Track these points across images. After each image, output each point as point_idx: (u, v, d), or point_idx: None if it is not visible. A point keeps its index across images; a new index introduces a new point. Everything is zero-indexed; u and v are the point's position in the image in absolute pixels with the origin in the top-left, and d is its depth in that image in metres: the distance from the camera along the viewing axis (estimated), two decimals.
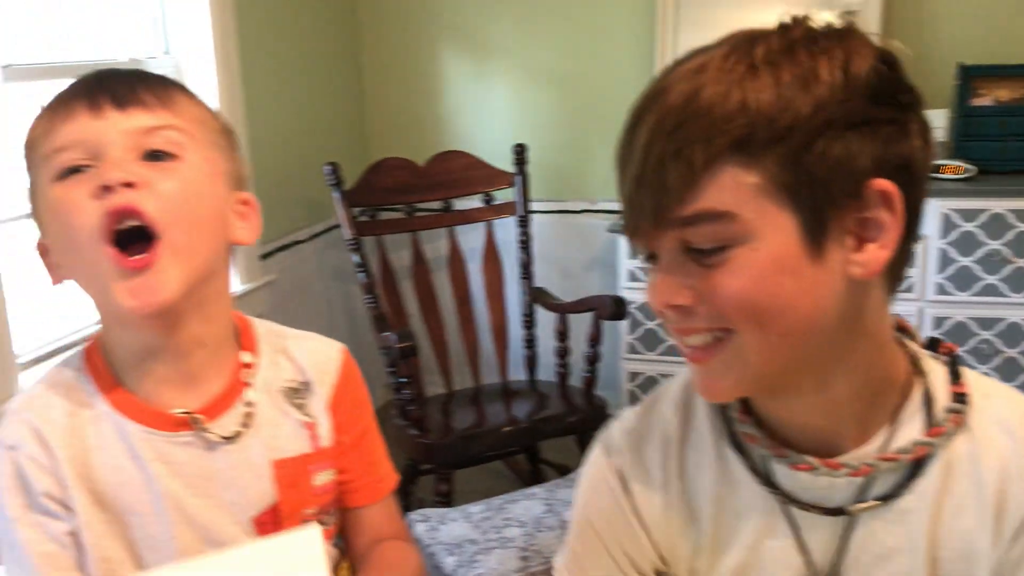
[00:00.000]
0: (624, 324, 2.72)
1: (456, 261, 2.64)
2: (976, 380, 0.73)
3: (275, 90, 2.69)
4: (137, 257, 0.74)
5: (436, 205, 2.64)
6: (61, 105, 0.77)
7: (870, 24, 2.58)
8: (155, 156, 0.76)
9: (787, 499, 0.73)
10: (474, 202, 2.64)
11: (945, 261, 2.39)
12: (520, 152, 2.62)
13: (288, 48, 2.77)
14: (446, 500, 2.27)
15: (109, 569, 0.80)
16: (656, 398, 0.83)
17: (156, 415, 0.81)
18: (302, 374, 0.88)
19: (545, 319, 2.61)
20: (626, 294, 2.56)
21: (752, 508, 0.74)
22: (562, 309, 2.51)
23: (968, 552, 0.69)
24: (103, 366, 0.82)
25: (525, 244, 2.62)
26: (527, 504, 2.08)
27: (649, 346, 2.74)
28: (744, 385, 0.70)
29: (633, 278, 2.69)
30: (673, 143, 0.63)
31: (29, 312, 1.92)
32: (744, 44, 0.64)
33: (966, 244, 2.37)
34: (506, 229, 2.66)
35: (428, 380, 2.65)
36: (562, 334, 2.50)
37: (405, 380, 2.27)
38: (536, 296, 2.62)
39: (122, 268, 0.74)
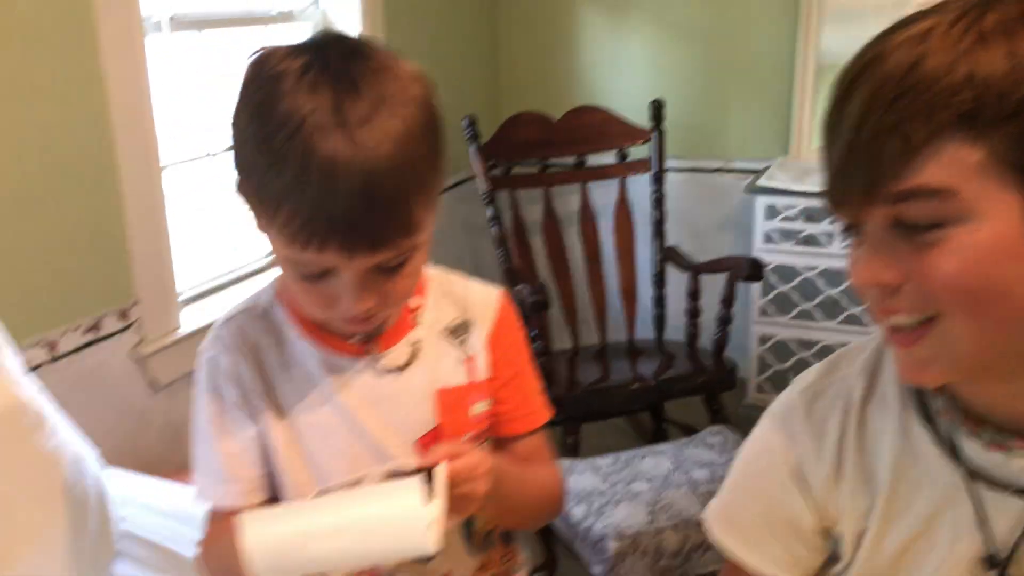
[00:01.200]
0: (756, 287, 2.71)
1: (587, 217, 2.67)
2: None
3: (416, 43, 2.76)
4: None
5: (569, 160, 2.67)
6: (309, 232, 0.75)
7: None
8: (390, 269, 0.80)
9: (974, 475, 0.73)
10: (608, 158, 2.66)
11: None
12: (658, 108, 2.62)
13: (428, 2, 2.83)
14: (573, 452, 2.33)
15: (287, 475, 0.89)
16: (841, 357, 0.83)
17: (338, 342, 0.89)
18: (464, 314, 0.95)
19: (675, 278, 2.62)
20: (761, 256, 2.54)
21: (934, 481, 0.74)
22: (695, 269, 2.51)
23: None
24: (292, 299, 0.90)
25: (659, 202, 2.63)
26: (654, 460, 2.12)
27: (782, 310, 2.72)
28: (952, 373, 0.68)
29: (768, 240, 2.67)
30: (891, 116, 0.61)
31: (190, 252, 2.06)
32: (974, 9, 0.61)
33: None
34: (639, 186, 2.68)
35: (555, 335, 2.71)
36: (694, 294, 2.51)
37: (535, 333, 2.33)
38: (668, 255, 2.63)
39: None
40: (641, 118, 2.63)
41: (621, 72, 3.06)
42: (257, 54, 0.80)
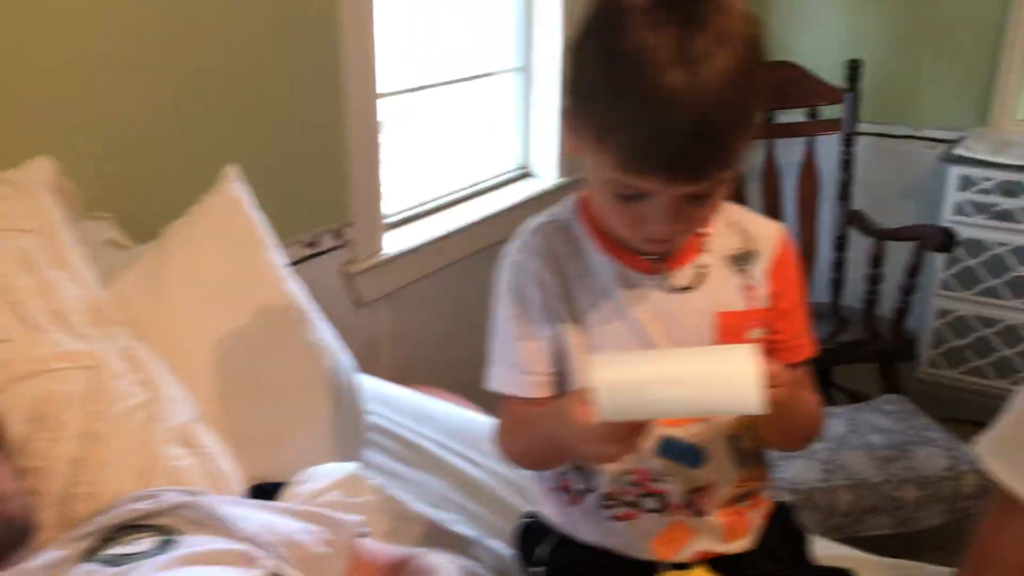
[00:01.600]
0: (940, 259, 2.65)
1: (770, 175, 2.66)
2: None
3: None
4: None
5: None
6: (635, 153, 0.82)
7: None
8: (699, 198, 0.86)
9: None
10: (796, 116, 2.64)
11: None
12: (854, 68, 2.57)
13: None
14: None
15: (576, 376, 0.97)
16: None
17: (633, 259, 0.96)
18: (747, 244, 1.00)
19: (855, 243, 2.59)
20: (950, 227, 2.48)
21: None
22: (881, 235, 2.48)
23: None
24: (592, 216, 0.97)
25: (847, 164, 2.60)
26: (829, 421, 2.13)
27: (965, 284, 2.65)
28: None
29: (959, 211, 2.60)
30: None
31: (395, 180, 2.18)
32: None
33: None
34: (827, 147, 2.64)
35: None
36: (876, 260, 2.47)
37: None
38: (852, 218, 2.60)
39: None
40: (833, 78, 2.59)
41: (815, 30, 3.00)
42: None
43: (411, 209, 2.24)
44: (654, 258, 0.96)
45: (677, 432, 0.97)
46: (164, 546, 0.83)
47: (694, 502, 1.00)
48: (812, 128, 2.62)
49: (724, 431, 0.99)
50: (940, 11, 2.81)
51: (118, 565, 0.79)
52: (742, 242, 1.00)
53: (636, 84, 0.79)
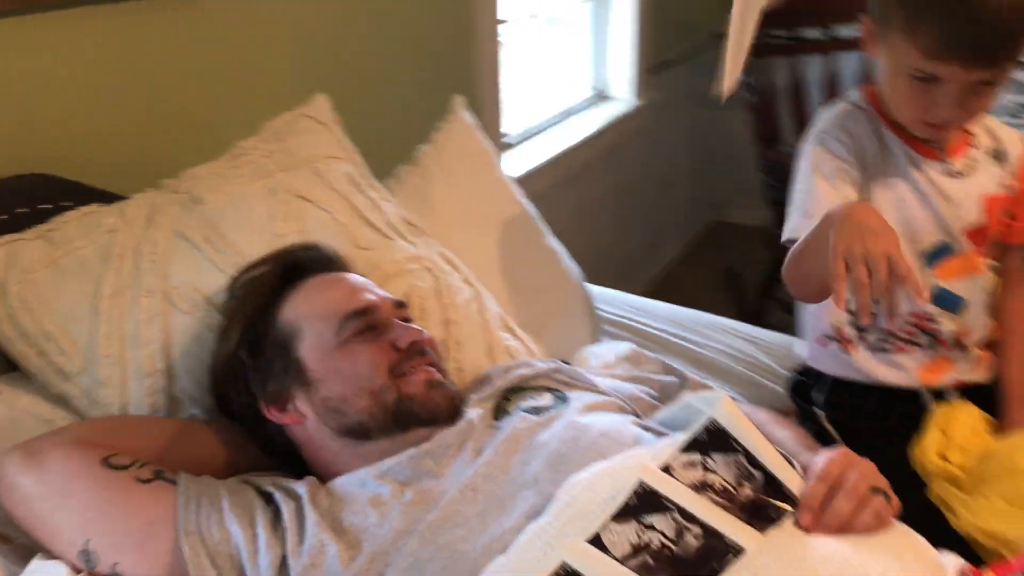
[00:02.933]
0: None
1: (834, 87, 2.86)
2: None
3: None
4: None
5: (818, 33, 2.85)
6: (940, 38, 1.06)
7: None
8: (980, 88, 1.10)
9: None
10: (851, 31, 2.84)
11: None
12: None
13: None
14: None
15: None
16: None
17: (918, 144, 1.21)
18: (1000, 144, 1.26)
19: None
20: None
21: None
22: None
23: None
24: (881, 105, 1.21)
25: None
26: None
27: None
28: None
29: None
30: None
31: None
32: None
33: None
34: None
35: None
36: None
37: None
38: None
39: None
40: None
41: None
42: None
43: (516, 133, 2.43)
44: (934, 145, 1.19)
45: (948, 284, 1.23)
46: (562, 399, 1.04)
47: (958, 340, 1.25)
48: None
49: (983, 286, 1.25)
50: None
51: (539, 414, 1.00)
52: (997, 143, 1.26)
53: None
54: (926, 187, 1.21)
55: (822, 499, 0.86)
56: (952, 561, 0.90)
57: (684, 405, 1.00)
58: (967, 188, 1.22)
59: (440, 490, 0.93)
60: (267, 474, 1.03)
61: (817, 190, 1.18)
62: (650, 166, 3.19)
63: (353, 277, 1.11)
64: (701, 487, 0.85)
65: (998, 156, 1.25)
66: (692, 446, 0.88)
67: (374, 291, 1.09)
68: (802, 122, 2.88)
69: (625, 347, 1.31)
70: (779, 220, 2.73)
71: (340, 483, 0.97)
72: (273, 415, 1.04)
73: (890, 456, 1.00)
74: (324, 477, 1.00)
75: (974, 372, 1.26)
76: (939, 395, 1.23)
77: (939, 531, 0.96)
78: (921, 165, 1.21)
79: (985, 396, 1.23)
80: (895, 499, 0.89)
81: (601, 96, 2.92)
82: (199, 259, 1.12)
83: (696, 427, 0.89)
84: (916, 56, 1.07)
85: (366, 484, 0.96)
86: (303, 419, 1.03)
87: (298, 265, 1.10)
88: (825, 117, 1.26)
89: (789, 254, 1.16)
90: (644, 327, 1.51)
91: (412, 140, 1.50)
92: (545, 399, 1.05)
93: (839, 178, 1.18)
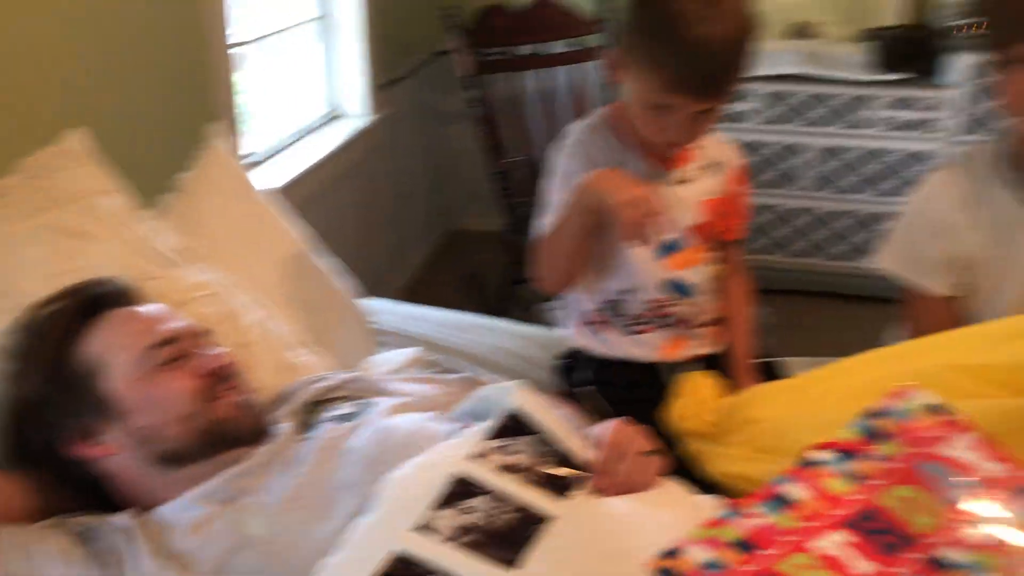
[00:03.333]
0: None
1: (549, 99, 3.12)
2: None
3: None
4: None
5: (528, 49, 3.10)
6: (674, 77, 1.25)
7: None
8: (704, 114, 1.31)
9: None
10: (559, 47, 3.12)
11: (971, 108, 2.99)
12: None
13: None
14: None
15: None
16: (969, 159, 1.45)
17: (652, 156, 1.41)
18: (717, 157, 1.47)
19: None
20: None
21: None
22: None
23: None
24: (621, 125, 1.40)
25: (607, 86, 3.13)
26: None
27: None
28: None
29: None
30: None
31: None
32: None
33: None
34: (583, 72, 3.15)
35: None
36: None
37: (526, 199, 2.81)
38: None
39: None
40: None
41: None
42: None
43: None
44: (666, 156, 1.38)
45: (678, 274, 1.44)
46: (365, 406, 1.11)
47: (690, 320, 1.47)
48: (578, 56, 3.12)
49: (707, 275, 1.48)
50: None
51: (346, 421, 1.08)
52: (715, 156, 1.47)
53: (681, 33, 1.22)
54: (659, 192, 1.41)
55: (609, 465, 1.01)
56: (709, 502, 1.08)
57: (482, 398, 1.11)
58: (689, 193, 1.44)
59: (260, 505, 0.99)
60: (78, 514, 1.02)
61: (560, 198, 1.37)
62: (389, 179, 3.30)
63: (154, 307, 1.13)
64: (508, 468, 0.97)
65: (715, 167, 1.47)
66: (496, 433, 1.00)
67: (176, 319, 1.11)
68: (523, 132, 3.11)
69: (410, 352, 1.41)
70: (514, 225, 2.96)
71: (163, 511, 1.00)
72: (83, 451, 1.04)
73: (648, 422, 1.17)
74: (146, 507, 1.01)
75: (705, 346, 1.50)
76: (682, 366, 1.44)
77: (692, 481, 1.16)
78: (655, 175, 1.41)
79: (716, 364, 1.47)
80: (666, 457, 1.06)
81: (336, 114, 2.99)
82: None
83: (498, 416, 1.01)
84: (655, 89, 1.26)
85: (188, 509, 0.99)
86: (116, 452, 1.04)
87: (96, 300, 1.10)
88: (571, 133, 1.44)
89: (538, 249, 1.34)
90: (417, 332, 1.62)
91: (163, 169, 1.49)
92: (348, 407, 1.12)
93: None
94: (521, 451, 0.99)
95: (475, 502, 0.93)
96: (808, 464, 0.89)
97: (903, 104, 3.05)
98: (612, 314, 1.46)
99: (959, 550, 0.80)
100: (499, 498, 0.94)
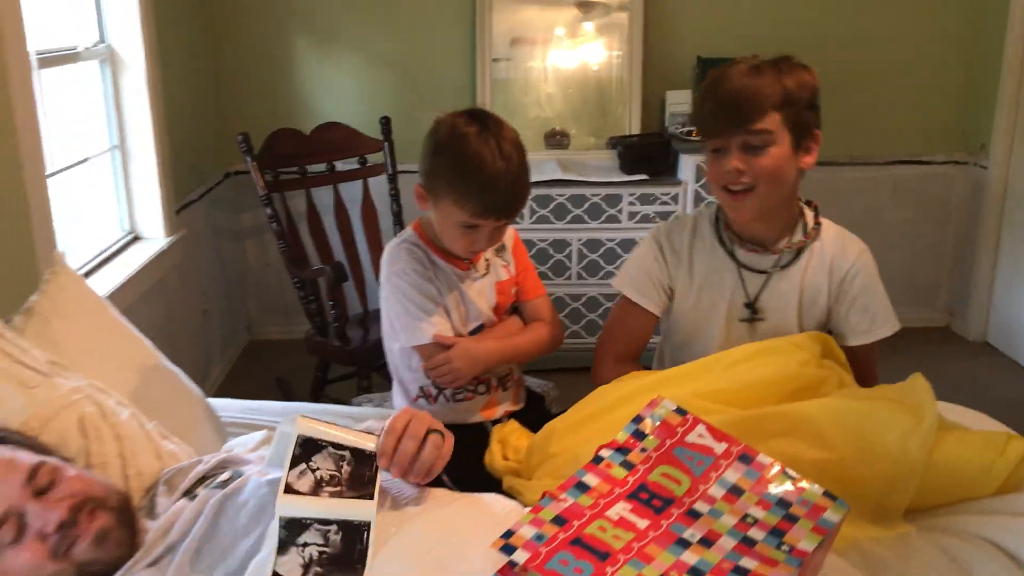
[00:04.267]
0: None
1: (341, 211, 3.43)
2: (825, 219, 1.81)
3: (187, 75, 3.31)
4: None
5: (321, 167, 3.41)
6: (481, 207, 1.63)
7: (635, 22, 3.73)
8: (502, 228, 1.70)
9: (741, 266, 1.78)
10: (352, 164, 3.45)
11: (698, 199, 3.58)
12: (386, 123, 3.46)
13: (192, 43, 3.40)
14: (368, 391, 3.10)
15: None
16: (677, 219, 1.87)
17: (456, 262, 1.78)
18: (503, 242, 1.84)
19: None
20: None
21: (721, 270, 1.79)
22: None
23: (816, 296, 1.77)
24: (428, 239, 1.73)
25: (395, 197, 3.48)
26: None
27: None
28: (754, 214, 1.73)
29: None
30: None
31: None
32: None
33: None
34: (380, 185, 3.50)
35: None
36: None
37: (332, 303, 3.08)
38: None
39: None
40: (371, 131, 3.46)
41: (350, 93, 3.85)
42: (442, 120, 1.66)
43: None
44: (464, 260, 1.71)
45: None
46: (239, 473, 1.33)
47: (502, 382, 1.80)
48: (364, 172, 3.45)
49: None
50: (425, 75, 3.85)
51: (225, 487, 1.28)
52: (500, 242, 1.82)
53: (479, 172, 1.59)
54: (466, 290, 1.77)
55: (393, 445, 1.22)
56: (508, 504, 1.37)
57: (279, 436, 1.25)
58: (487, 283, 1.80)
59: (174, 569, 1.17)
60: None
61: (411, 310, 1.71)
62: (188, 296, 3.46)
63: None
64: (317, 486, 1.15)
65: (500, 250, 1.84)
66: (296, 461, 1.17)
67: (5, 489, 1.14)
68: (323, 242, 3.39)
69: (260, 435, 1.63)
70: (320, 329, 3.19)
71: None
72: None
73: (476, 469, 1.47)
74: None
75: (513, 403, 1.85)
76: (496, 422, 1.78)
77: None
78: (460, 277, 1.76)
79: (519, 416, 1.80)
80: (449, 436, 1.30)
81: (136, 236, 3.14)
82: None
83: (291, 447, 1.19)
84: (464, 216, 1.63)
85: None
86: None
87: None
88: (393, 255, 1.75)
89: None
90: (257, 420, 1.83)
91: None
92: (228, 474, 1.33)
93: (424, 302, 1.72)
94: (322, 466, 1.17)
95: (307, 536, 1.11)
96: (598, 460, 1.21)
97: (646, 199, 3.60)
98: (438, 389, 1.77)
99: (704, 503, 1.14)
100: (324, 523, 1.12)
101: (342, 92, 3.90)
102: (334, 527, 1.13)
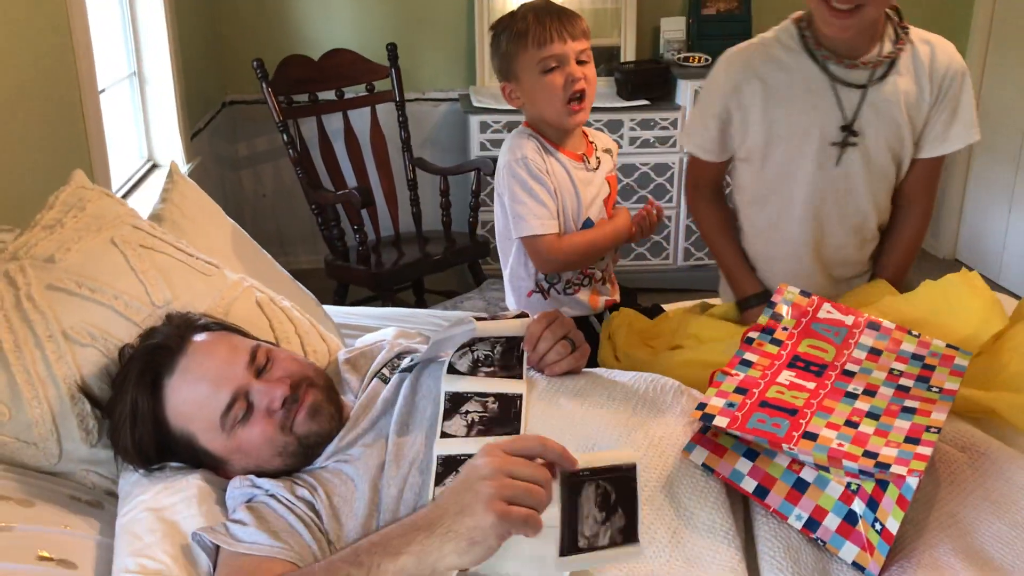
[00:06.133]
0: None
1: (352, 138, 3.50)
2: (912, 26, 1.77)
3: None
4: None
5: (332, 95, 3.47)
6: (540, 29, 1.76)
7: None
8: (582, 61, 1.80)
9: (834, 79, 1.75)
10: (360, 91, 3.52)
11: None
12: (393, 50, 3.53)
13: None
14: None
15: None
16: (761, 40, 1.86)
17: (570, 153, 1.89)
18: (606, 144, 1.98)
19: (423, 182, 3.60)
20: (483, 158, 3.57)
21: (812, 87, 1.78)
22: (445, 172, 3.50)
23: (919, 103, 1.76)
24: (539, 131, 1.85)
25: (403, 124, 3.56)
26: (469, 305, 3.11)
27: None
28: (856, 32, 1.67)
29: (483, 148, 3.71)
30: None
31: None
32: None
33: None
34: (387, 112, 3.57)
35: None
36: (444, 192, 3.50)
37: (356, 227, 3.17)
38: (418, 164, 3.58)
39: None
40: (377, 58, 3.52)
41: (351, 20, 3.89)
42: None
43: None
44: (578, 152, 1.87)
45: None
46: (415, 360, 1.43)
47: (603, 276, 1.95)
48: (373, 99, 3.53)
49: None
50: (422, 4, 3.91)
51: (411, 371, 1.38)
52: (603, 144, 1.97)
53: (523, 12, 1.83)
54: (578, 178, 1.89)
55: (535, 339, 1.38)
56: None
57: (450, 330, 1.38)
58: (599, 175, 1.93)
59: (382, 443, 1.29)
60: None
61: (530, 199, 1.81)
62: None
63: (213, 366, 1.27)
64: (474, 365, 1.33)
65: (608, 151, 1.98)
66: (461, 348, 1.34)
67: (232, 371, 1.26)
68: (336, 169, 3.46)
69: (392, 330, 1.72)
70: (338, 252, 3.30)
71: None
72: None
73: (592, 363, 1.62)
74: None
75: (613, 294, 2.01)
76: (603, 315, 1.96)
77: None
78: (571, 167, 1.88)
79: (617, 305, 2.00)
80: (585, 346, 1.45)
81: (154, 164, 3.17)
82: (80, 301, 1.33)
83: (460, 338, 1.33)
84: (538, 53, 1.77)
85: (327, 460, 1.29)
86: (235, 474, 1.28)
87: (153, 366, 1.27)
88: (514, 143, 1.86)
89: (542, 244, 1.83)
90: (363, 324, 1.95)
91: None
92: (408, 360, 1.43)
93: (539, 191, 1.82)
94: (479, 348, 1.34)
95: (468, 405, 1.29)
96: (749, 341, 1.38)
97: (646, 125, 3.75)
98: (549, 284, 1.91)
99: (852, 364, 1.32)
100: (482, 396, 1.30)
101: (343, 18, 3.93)
102: (491, 398, 1.30)
